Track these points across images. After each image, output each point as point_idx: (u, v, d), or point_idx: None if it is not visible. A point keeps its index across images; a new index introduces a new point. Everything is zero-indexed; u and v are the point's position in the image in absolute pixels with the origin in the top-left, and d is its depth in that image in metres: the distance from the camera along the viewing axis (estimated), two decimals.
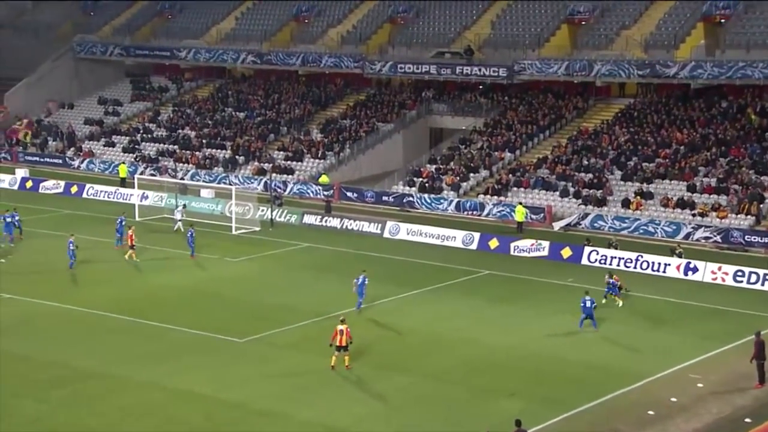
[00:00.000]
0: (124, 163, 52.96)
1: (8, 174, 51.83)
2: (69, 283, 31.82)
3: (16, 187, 50.40)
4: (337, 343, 24.04)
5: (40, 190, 49.54)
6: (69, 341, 25.81)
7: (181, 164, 53.52)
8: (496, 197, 45.09)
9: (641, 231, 40.18)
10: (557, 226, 41.68)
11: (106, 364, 24.03)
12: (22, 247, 36.56)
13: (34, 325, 27.13)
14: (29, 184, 50.35)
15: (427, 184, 47.28)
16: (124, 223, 36.57)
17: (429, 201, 45.78)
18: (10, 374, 23.10)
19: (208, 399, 22.12)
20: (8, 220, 37.02)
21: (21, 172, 52.06)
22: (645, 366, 24.69)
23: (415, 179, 48.15)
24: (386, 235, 40.71)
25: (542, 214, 42.61)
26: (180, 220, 39.50)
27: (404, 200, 46.28)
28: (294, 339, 26.56)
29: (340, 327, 24.16)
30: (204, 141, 55.91)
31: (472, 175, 47.67)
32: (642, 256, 35.20)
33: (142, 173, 51.74)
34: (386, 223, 41.24)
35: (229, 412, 21.51)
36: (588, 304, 27.33)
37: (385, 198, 46.73)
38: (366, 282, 29.19)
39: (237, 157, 53.79)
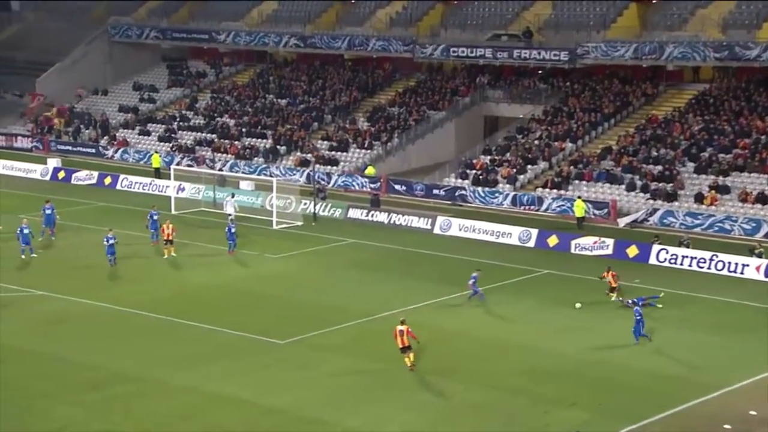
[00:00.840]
0: (157, 152, 53.76)
1: (40, 164, 53.00)
2: (104, 279, 32.44)
3: (47, 178, 51.53)
4: (399, 345, 24.41)
5: (72, 181, 50.56)
6: (104, 342, 26.32)
7: (219, 154, 54.15)
8: (555, 191, 44.71)
9: (716, 228, 39.47)
10: (622, 222, 41.18)
11: (141, 367, 24.47)
12: (54, 240, 37.35)
13: (69, 324, 27.74)
14: (61, 174, 51.44)
15: (480, 177, 47.08)
16: (156, 217, 36.59)
17: (483, 195, 45.60)
18: (42, 376, 23.66)
19: (248, 404, 22.38)
20: (48, 212, 37.65)
21: (53, 162, 53.18)
22: (720, 376, 24.29)
23: (468, 171, 47.99)
24: (437, 231, 40.65)
25: (606, 210, 42.13)
26: (231, 214, 39.54)
27: (456, 194, 46.16)
28: (338, 341, 26.71)
29: (400, 327, 24.55)
30: (244, 130, 56.48)
31: (529, 166, 47.33)
32: (717, 256, 34.60)
33: (178, 164, 52.42)
34: (437, 218, 41.18)
35: (270, 419, 21.74)
36: (637, 315, 26.41)
37: (435, 191, 46.64)
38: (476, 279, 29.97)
39: (278, 147, 54.21)
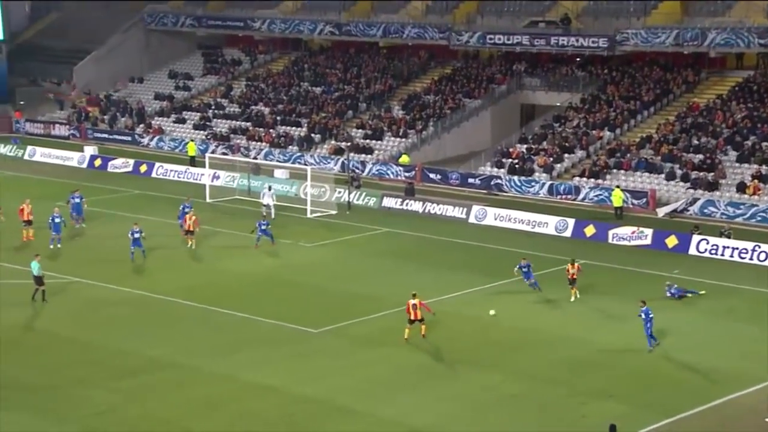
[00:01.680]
0: (193, 140, 54.14)
1: (77, 152, 53.66)
2: (140, 267, 32.80)
3: (84, 166, 52.16)
4: (411, 318, 25.46)
5: (108, 169, 51.14)
6: (139, 329, 26.65)
7: (253, 142, 54.41)
8: (593, 180, 44.30)
9: (758, 219, 38.86)
10: (662, 212, 40.71)
11: (177, 354, 24.73)
12: (90, 228, 37.82)
13: (104, 311, 28.10)
14: (98, 162, 52.04)
15: (517, 166, 46.79)
16: (188, 210, 35.87)
17: (519, 184, 45.32)
18: (80, 362, 24.02)
19: (283, 393, 22.52)
20: (76, 200, 38.05)
21: (90, 150, 53.81)
22: (762, 368, 23.96)
23: (504, 160, 47.72)
24: (472, 220, 40.51)
25: (645, 199, 41.67)
26: (267, 205, 39.48)
27: (492, 183, 45.93)
28: (372, 331, 26.76)
29: (412, 301, 25.55)
30: (278, 118, 56.67)
31: (566, 155, 46.94)
32: (759, 246, 34.08)
33: (213, 152, 52.78)
34: (472, 207, 41.04)
35: (305, 408, 21.86)
36: (643, 315, 24.99)
37: (471, 180, 46.47)
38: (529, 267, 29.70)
39: (313, 135, 54.32)
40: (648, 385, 23.18)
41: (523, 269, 29.93)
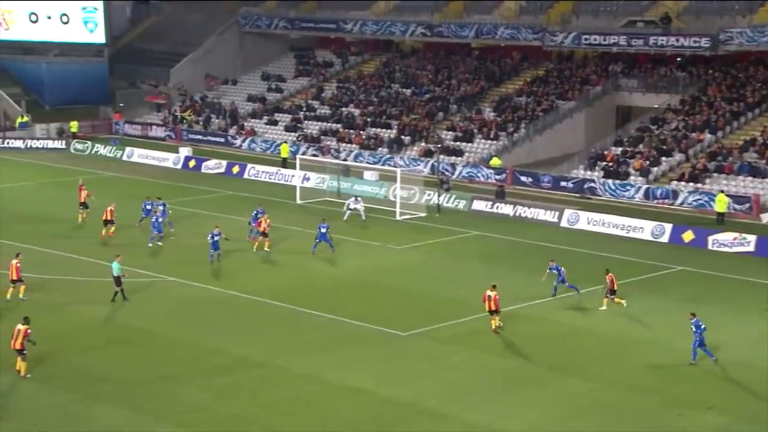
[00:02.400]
0: (286, 142, 54.93)
1: (172, 153, 55.12)
2: (231, 267, 33.39)
3: (179, 167, 53.52)
4: (486, 308, 26.27)
5: (202, 170, 52.32)
6: (230, 327, 27.13)
7: (344, 144, 54.84)
8: (692, 184, 43.03)
9: None
10: (766, 218, 39.20)
11: (265, 353, 25.07)
12: (182, 228, 38.75)
13: (197, 310, 28.71)
14: (192, 163, 53.33)
15: (611, 169, 45.86)
16: (260, 216, 35.59)
17: (613, 187, 44.40)
18: (173, 359, 24.59)
19: (371, 395, 22.56)
20: (149, 207, 37.79)
21: (184, 151, 55.20)
22: None
23: (598, 163, 46.82)
24: (564, 224, 39.88)
25: (748, 204, 40.21)
26: (352, 209, 39.67)
27: (585, 186, 45.16)
28: (461, 334, 26.58)
29: (489, 293, 26.31)
30: (368, 120, 56.97)
31: (664, 159, 45.72)
32: None
33: (303, 153, 53.43)
34: (564, 211, 40.41)
35: (391, 410, 21.84)
36: (694, 327, 24.22)
37: (563, 183, 45.79)
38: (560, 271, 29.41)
39: (403, 137, 54.40)
40: (750, 396, 22.28)
41: (552, 271, 29.30)
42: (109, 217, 36.49)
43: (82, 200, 38.64)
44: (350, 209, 39.98)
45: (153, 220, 35.96)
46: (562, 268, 29.49)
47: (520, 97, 54.52)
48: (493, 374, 23.81)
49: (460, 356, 25.03)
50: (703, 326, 24.33)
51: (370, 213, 40.64)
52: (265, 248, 34.74)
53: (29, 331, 23.43)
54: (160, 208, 36.63)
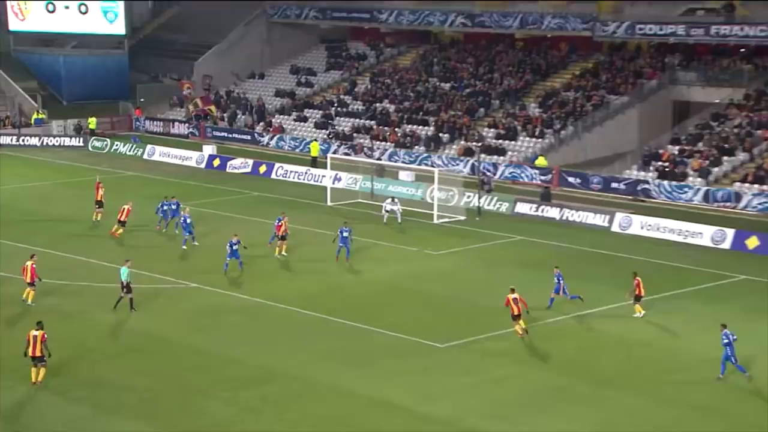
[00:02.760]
0: (316, 140, 55.07)
1: (196, 151, 55.48)
2: (257, 273, 33.51)
3: (203, 166, 53.86)
4: (512, 312, 26.62)
5: (227, 169, 52.62)
6: (256, 337, 27.19)
7: (378, 142, 54.87)
8: (756, 186, 42.44)
9: None
10: None
11: (294, 365, 25.09)
12: (205, 231, 38.98)
13: (220, 318, 28.83)
14: (216, 162, 53.64)
15: (667, 169, 45.40)
16: (281, 222, 35.28)
17: (669, 189, 43.95)
18: (197, 370, 24.69)
19: (405, 411, 22.47)
20: (166, 207, 38.35)
21: (208, 149, 55.53)
22: None
23: (652, 163, 46.36)
24: (615, 228, 39.54)
25: None
26: (389, 211, 39.65)
27: (638, 188, 44.76)
28: (503, 347, 26.40)
29: (513, 296, 26.76)
30: (404, 116, 56.96)
31: (726, 158, 45.14)
32: None
33: (335, 152, 53.52)
34: (615, 214, 40.07)
35: (429, 427, 21.74)
36: (725, 339, 23.88)
37: (614, 185, 45.42)
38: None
39: (441, 134, 54.30)
40: None
41: (556, 279, 29.09)
42: (123, 218, 37.09)
43: (99, 198, 39.35)
44: (387, 211, 39.94)
45: (180, 221, 36.31)
46: (562, 281, 29.16)
47: (567, 92, 54.16)
48: (539, 389, 23.60)
49: (503, 370, 24.86)
50: (734, 337, 24.04)
51: (405, 216, 40.58)
52: (282, 252, 34.78)
53: (46, 336, 23.66)
54: (187, 209, 37.04)
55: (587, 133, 51.60)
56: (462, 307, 29.96)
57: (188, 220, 36.09)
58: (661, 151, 47.10)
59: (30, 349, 23.56)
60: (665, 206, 42.83)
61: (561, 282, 29.23)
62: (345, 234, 34.38)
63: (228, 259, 33.00)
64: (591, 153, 50.88)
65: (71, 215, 41.24)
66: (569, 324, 28.18)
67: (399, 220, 39.61)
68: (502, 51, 60.06)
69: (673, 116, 52.36)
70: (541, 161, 48.80)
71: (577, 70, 55.94)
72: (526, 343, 26.52)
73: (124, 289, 28.84)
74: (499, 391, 23.64)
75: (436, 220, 40.89)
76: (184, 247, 35.80)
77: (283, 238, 34.92)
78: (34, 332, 23.78)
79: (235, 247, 32.97)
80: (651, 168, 46.16)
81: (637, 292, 28.53)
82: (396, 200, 40.60)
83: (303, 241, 36.53)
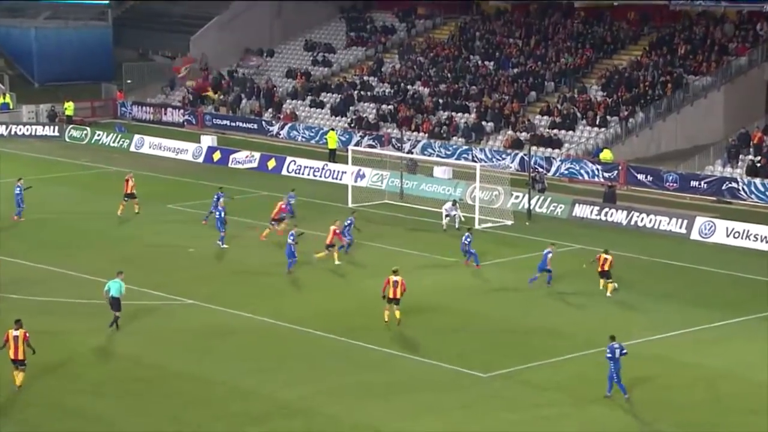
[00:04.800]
0: (334, 129, 55.44)
1: (192, 142, 55.99)
2: (265, 288, 33.81)
3: (201, 160, 54.36)
4: (390, 295, 29.35)
5: (229, 164, 53.09)
6: (264, 364, 27.44)
7: (409, 132, 55.12)
8: None
9: None
10: None
11: (309, 397, 25.31)
12: (204, 239, 39.36)
13: (223, 341, 29.12)
14: (217, 155, 54.15)
15: (759, 165, 45.32)
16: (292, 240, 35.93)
17: (762, 189, 43.93)
18: (196, 402, 24.94)
19: None
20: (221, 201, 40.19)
21: (207, 140, 56.07)
22: None
23: (741, 157, 46.27)
24: (694, 236, 39.53)
25: None
26: (450, 217, 40.03)
27: (723, 187, 44.77)
28: (558, 378, 26.51)
29: (394, 278, 29.30)
30: (440, 101, 57.20)
31: None
32: None
33: (357, 144, 53.84)
34: (695, 219, 40.07)
35: None
36: (609, 353, 24.84)
37: (694, 183, 45.41)
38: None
39: (484, 123, 54.47)
40: None
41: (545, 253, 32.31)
42: (129, 190, 40.75)
43: (129, 191, 41.77)
44: (448, 216, 40.12)
45: (217, 216, 37.71)
46: (549, 256, 32.82)
47: (637, 71, 54.16)
48: (600, 428, 23.69)
49: (558, 407, 24.94)
50: (624, 351, 24.78)
51: (439, 219, 40.72)
52: (335, 260, 35.78)
53: (28, 334, 24.49)
54: (222, 201, 38.65)
55: (661, 121, 51.57)
56: (510, 330, 30.08)
57: (222, 215, 37.48)
58: (751, 143, 47.01)
59: (11, 352, 24.18)
60: (756, 209, 42.69)
61: (548, 257, 32.79)
62: (350, 226, 36.29)
63: (288, 259, 34.33)
64: (665, 145, 50.86)
65: (46, 219, 41.80)
66: (637, 351, 28.18)
67: (456, 226, 39.82)
68: (558, 22, 60.13)
69: (766, 100, 52.23)
70: (605, 155, 48.84)
71: (648, 45, 55.89)
72: (587, 372, 26.59)
73: (111, 306, 29.33)
74: (552, 428, 23.75)
75: (477, 225, 41.02)
76: (221, 244, 37.41)
77: (331, 246, 35.73)
78: (14, 332, 24.32)
79: (291, 241, 34.32)
80: (739, 163, 46.03)
81: (600, 268, 32.28)
82: (457, 204, 40.78)
83: (319, 250, 36.76)
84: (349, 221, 36.98)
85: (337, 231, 35.75)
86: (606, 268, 32.62)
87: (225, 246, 37.40)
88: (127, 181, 42.03)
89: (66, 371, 26.76)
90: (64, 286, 33.39)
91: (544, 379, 26.44)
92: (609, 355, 24.98)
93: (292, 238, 34.64)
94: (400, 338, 29.14)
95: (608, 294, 32.48)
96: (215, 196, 39.96)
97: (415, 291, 33.37)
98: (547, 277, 33.33)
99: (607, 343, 25.19)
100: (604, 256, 32.78)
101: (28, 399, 24.66)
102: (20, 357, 24.56)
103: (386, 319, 29.71)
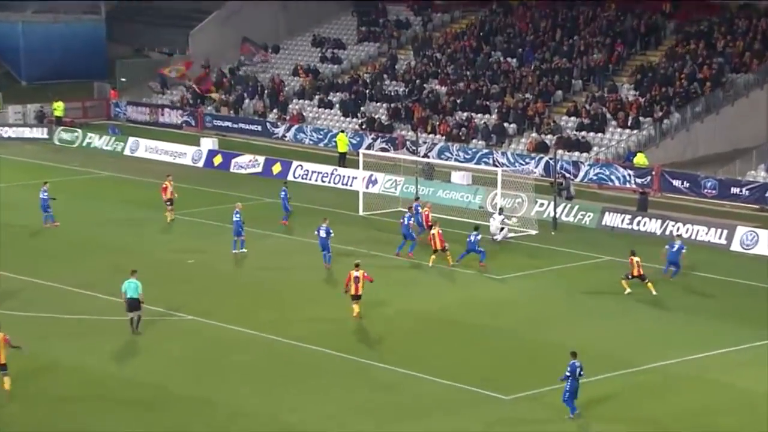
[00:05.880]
0: (344, 131, 55.43)
1: (192, 145, 56.04)
2: (266, 300, 33.82)
3: (200, 164, 54.40)
4: (352, 292, 31.13)
5: (231, 169, 53.11)
6: (265, 385, 27.39)
7: (424, 134, 55.06)
8: None
9: None
10: None
11: (321, 421, 25.26)
12: (201, 248, 39.35)
13: (228, 359, 29.11)
14: (218, 159, 54.18)
15: None
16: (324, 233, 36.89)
17: None
18: (199, 426, 24.93)
19: None
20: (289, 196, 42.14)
21: (207, 143, 56.13)
22: None
23: None
24: (735, 247, 39.41)
25: None
26: (504, 228, 40.08)
27: (767, 194, 44.54)
28: (588, 399, 26.36)
29: (355, 273, 31.02)
30: (458, 101, 57.14)
31: None
32: None
33: (369, 147, 53.78)
34: (736, 229, 39.94)
35: None
36: (569, 371, 25.03)
37: (734, 190, 45.26)
38: None
39: (506, 124, 54.37)
40: None
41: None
42: (168, 195, 41.84)
43: (169, 197, 42.41)
44: (505, 225, 40.08)
45: (234, 221, 38.52)
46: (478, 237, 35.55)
47: (671, 67, 53.96)
48: None
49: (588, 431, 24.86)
50: (581, 372, 24.98)
51: (458, 228, 40.62)
52: (450, 264, 36.58)
53: (8, 337, 24.99)
54: (239, 205, 39.35)
55: (698, 122, 51.36)
56: (534, 348, 29.97)
57: (236, 218, 38.28)
58: None
59: None
60: None
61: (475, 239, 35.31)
62: (323, 234, 36.48)
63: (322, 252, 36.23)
64: (703, 148, 50.67)
65: (36, 227, 41.87)
66: (673, 372, 28.07)
67: (498, 238, 39.92)
68: (587, 14, 60.00)
69: None
70: (639, 159, 48.68)
71: (685, 40, 55.70)
72: (618, 394, 26.45)
73: (130, 308, 30.10)
74: None
75: (499, 235, 40.92)
76: (235, 251, 38.38)
77: (443, 250, 36.47)
78: None
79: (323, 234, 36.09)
80: None
81: (635, 273, 33.52)
82: (503, 212, 40.83)
83: (321, 259, 36.76)
84: (282, 192, 41.09)
85: (440, 232, 36.66)
86: (641, 271, 33.61)
87: (245, 250, 38.40)
88: (166, 187, 42.56)
89: (55, 394, 26.71)
90: (47, 299, 33.37)
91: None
92: (568, 374, 24.96)
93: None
94: (413, 356, 29.07)
95: (654, 293, 33.53)
96: (282, 192, 41.77)
97: (432, 306, 33.33)
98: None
99: (572, 362, 25.06)
100: (635, 259, 33.77)
101: (17, 426, 24.59)
102: (2, 361, 25.19)
103: (355, 314, 31.37)
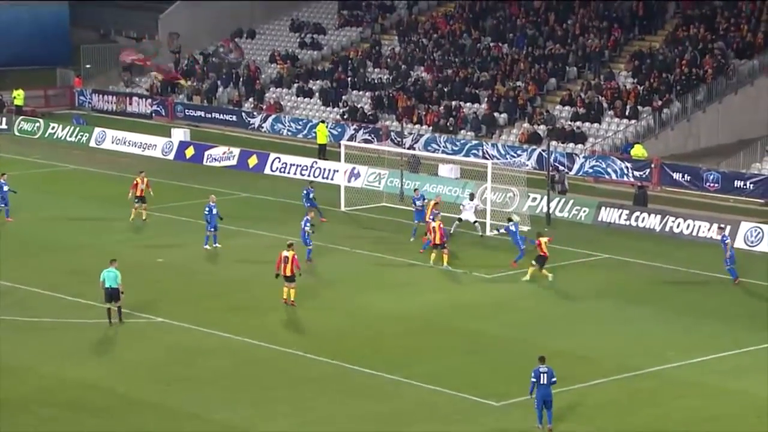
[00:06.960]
0: (324, 122, 55.47)
1: (162, 136, 56.00)
2: (246, 302, 33.82)
3: (171, 157, 54.40)
4: (283, 273, 31.86)
5: (204, 162, 53.11)
6: (247, 394, 27.33)
7: (410, 125, 55.13)
8: None
9: None
10: None
11: (305, 428, 25.27)
12: (172, 247, 39.37)
13: (199, 365, 29.05)
14: (190, 152, 54.20)
15: None
16: (307, 227, 37.26)
17: None
18: None
19: None
20: (312, 195, 41.88)
21: (179, 134, 56.13)
22: None
23: None
24: (739, 244, 39.56)
25: None
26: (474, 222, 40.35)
27: None
28: (580, 406, 26.54)
29: (285, 253, 31.87)
30: (445, 89, 57.22)
31: None
32: None
33: (351, 138, 53.84)
34: (740, 225, 40.15)
35: None
36: (533, 377, 24.97)
37: (738, 183, 45.44)
38: None
39: (496, 114, 54.49)
40: None
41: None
42: (139, 193, 41.20)
43: (139, 194, 41.86)
44: (464, 219, 40.30)
45: (205, 213, 38.60)
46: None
47: (671, 53, 54.13)
48: None
49: None
50: (553, 379, 24.79)
51: (446, 225, 40.71)
52: (444, 264, 36.74)
53: None
54: (213, 197, 39.26)
55: (700, 111, 51.57)
56: (524, 352, 30.01)
57: (214, 211, 38.17)
58: None
59: None
60: None
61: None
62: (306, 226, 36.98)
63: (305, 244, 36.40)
64: (705, 140, 50.90)
65: None
66: (674, 376, 28.22)
67: (480, 232, 40.19)
68: None
69: None
70: (637, 151, 48.85)
71: (685, 24, 55.89)
72: (613, 401, 26.61)
73: (109, 298, 30.51)
74: None
75: (489, 232, 41.04)
76: (207, 246, 38.56)
77: (442, 246, 36.47)
78: None
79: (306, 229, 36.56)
80: None
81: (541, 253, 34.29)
82: (474, 198, 41.08)
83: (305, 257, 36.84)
84: (306, 191, 41.32)
85: (441, 225, 36.85)
86: (544, 252, 34.94)
87: (218, 245, 38.57)
88: (137, 183, 41.99)
89: (6, 398, 26.67)
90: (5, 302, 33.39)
91: (563, 407, 26.39)
92: (533, 380, 24.93)
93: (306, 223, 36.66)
94: (401, 362, 29.16)
95: (550, 279, 34.87)
96: (304, 191, 41.59)
97: (420, 308, 33.42)
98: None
99: (536, 368, 25.00)
100: (542, 239, 35.07)
101: None
102: None
103: (284, 297, 32.30)
